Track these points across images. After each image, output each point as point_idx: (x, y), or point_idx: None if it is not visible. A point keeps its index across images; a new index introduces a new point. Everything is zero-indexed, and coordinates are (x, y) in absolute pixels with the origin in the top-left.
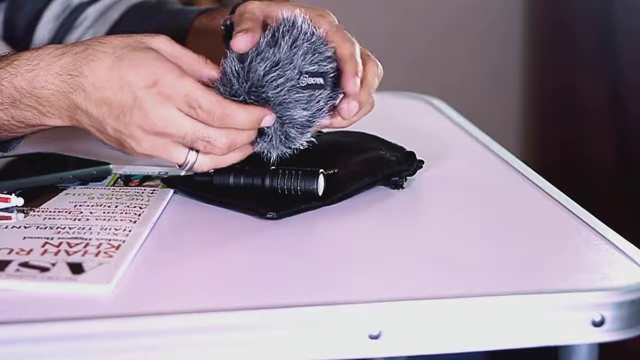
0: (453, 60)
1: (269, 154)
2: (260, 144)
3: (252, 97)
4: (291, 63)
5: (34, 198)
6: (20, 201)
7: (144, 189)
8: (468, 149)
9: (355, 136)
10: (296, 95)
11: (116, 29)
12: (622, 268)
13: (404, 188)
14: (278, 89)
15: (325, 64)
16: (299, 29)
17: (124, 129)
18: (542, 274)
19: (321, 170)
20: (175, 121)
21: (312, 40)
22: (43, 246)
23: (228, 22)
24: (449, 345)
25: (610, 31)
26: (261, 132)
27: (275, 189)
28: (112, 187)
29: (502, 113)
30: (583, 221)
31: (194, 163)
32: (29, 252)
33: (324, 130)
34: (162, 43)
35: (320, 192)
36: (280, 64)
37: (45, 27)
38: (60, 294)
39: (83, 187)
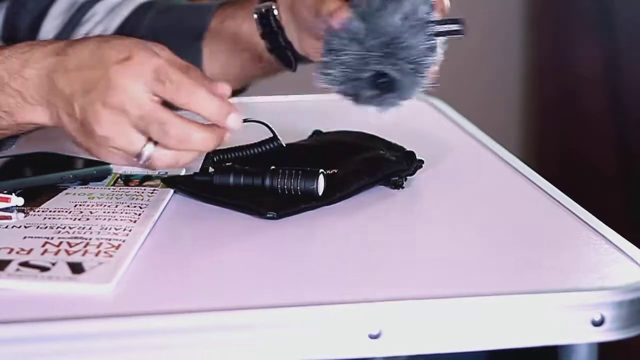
0: (453, 60)
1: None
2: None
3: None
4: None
5: (34, 198)
6: (20, 201)
7: (144, 189)
8: (468, 149)
9: (355, 136)
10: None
11: (128, 24)
12: (622, 268)
13: (403, 188)
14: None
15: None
16: None
17: (89, 106)
18: (541, 274)
19: (321, 170)
20: (135, 96)
21: None
22: (43, 246)
23: None
24: (449, 344)
25: (611, 32)
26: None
27: (276, 189)
28: (112, 187)
29: (502, 113)
30: (583, 221)
31: (151, 154)
32: (29, 252)
33: (324, 130)
34: (157, 46)
35: (320, 192)
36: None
37: (51, 24)
38: (60, 293)
39: (83, 186)
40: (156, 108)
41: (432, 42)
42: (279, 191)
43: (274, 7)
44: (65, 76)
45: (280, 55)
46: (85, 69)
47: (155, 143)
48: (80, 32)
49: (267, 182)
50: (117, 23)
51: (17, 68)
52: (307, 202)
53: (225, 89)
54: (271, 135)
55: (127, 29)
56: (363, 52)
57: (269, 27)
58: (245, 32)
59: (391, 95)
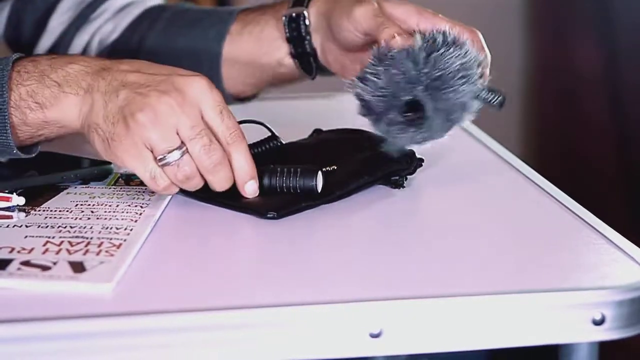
0: None
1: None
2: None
3: (431, 88)
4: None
5: (35, 197)
6: (21, 200)
7: (145, 188)
8: (468, 149)
9: (354, 134)
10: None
11: (140, 24)
12: (622, 267)
13: (404, 187)
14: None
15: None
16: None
17: (138, 96)
18: (542, 273)
19: (320, 171)
20: (194, 105)
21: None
22: (44, 245)
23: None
24: (449, 343)
25: (611, 31)
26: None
27: (275, 187)
28: (113, 187)
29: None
30: (583, 220)
31: (177, 160)
32: (30, 251)
33: (324, 129)
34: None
35: (320, 189)
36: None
37: (59, 19)
38: (61, 292)
39: (84, 186)
40: (206, 127)
41: (472, 100)
42: (278, 190)
43: (305, 12)
44: (118, 73)
45: (303, 62)
46: (145, 71)
47: (182, 155)
48: (90, 28)
49: (266, 180)
50: (127, 21)
51: (62, 63)
52: (306, 200)
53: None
54: (269, 134)
55: (138, 29)
56: (415, 73)
57: (298, 32)
58: (267, 37)
59: (413, 130)
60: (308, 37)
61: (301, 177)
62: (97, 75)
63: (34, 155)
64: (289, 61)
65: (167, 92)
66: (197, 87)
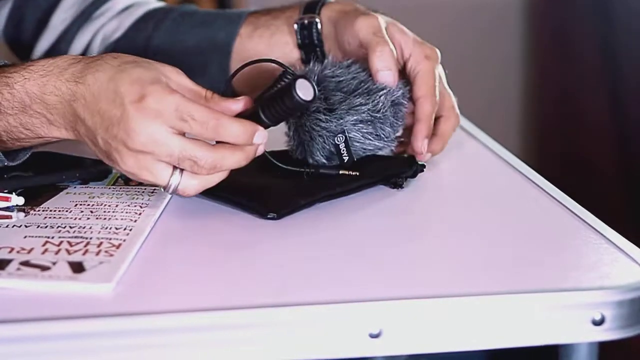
0: (453, 61)
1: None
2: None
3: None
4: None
5: (35, 197)
6: (20, 200)
7: (145, 188)
8: (468, 149)
9: None
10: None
11: (145, 23)
12: (622, 267)
13: (403, 187)
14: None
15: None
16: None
17: (111, 141)
18: (542, 273)
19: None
20: (161, 139)
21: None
22: (44, 245)
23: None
24: (449, 344)
25: (611, 32)
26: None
27: (273, 118)
28: (113, 187)
29: (502, 113)
30: (583, 220)
31: (178, 184)
32: (29, 251)
33: None
34: (171, 71)
35: (308, 98)
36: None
37: (61, 16)
38: (60, 292)
39: (83, 186)
40: (184, 145)
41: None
42: (277, 118)
43: (317, 19)
44: (85, 108)
45: None
46: (101, 100)
47: (181, 171)
48: (92, 26)
49: (263, 116)
50: (130, 21)
51: (38, 93)
52: (306, 198)
53: (242, 102)
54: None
55: (143, 29)
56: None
57: (310, 39)
58: (278, 41)
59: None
60: (320, 44)
61: (283, 95)
62: (72, 109)
63: (19, 162)
64: (299, 67)
65: (131, 137)
66: (152, 115)
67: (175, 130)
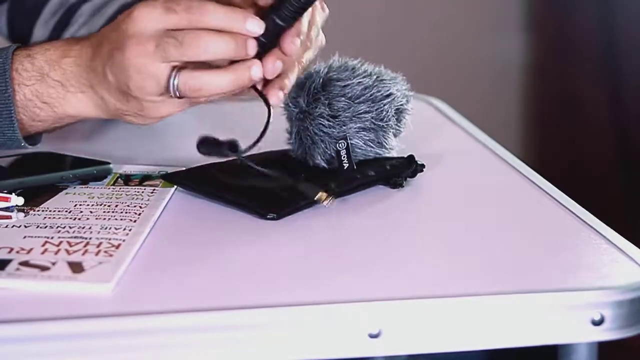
0: (453, 61)
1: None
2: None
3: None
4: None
5: (34, 197)
6: (20, 200)
7: (144, 189)
8: (468, 149)
9: None
10: None
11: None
12: (622, 267)
13: (403, 187)
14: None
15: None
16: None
17: (114, 66)
18: (541, 273)
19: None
20: (144, 30)
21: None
22: (43, 245)
23: None
24: (448, 344)
25: (611, 32)
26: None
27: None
28: (112, 187)
29: (502, 113)
30: (583, 221)
31: (179, 81)
32: (29, 251)
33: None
34: None
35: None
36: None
37: (42, 25)
38: (60, 292)
39: (83, 186)
40: (165, 31)
41: None
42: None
43: None
44: (97, 57)
45: None
46: (104, 39)
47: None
48: (68, 33)
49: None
50: (100, 23)
51: (56, 58)
52: (306, 199)
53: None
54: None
55: None
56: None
57: None
58: None
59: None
60: None
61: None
62: (88, 68)
63: (38, 144)
64: None
65: (126, 45)
66: (140, 18)
67: (166, 26)
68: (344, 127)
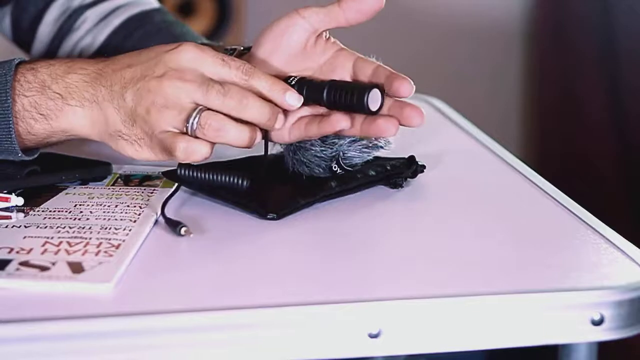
0: (453, 60)
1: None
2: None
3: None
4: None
5: (34, 197)
6: (20, 201)
7: (144, 189)
8: (468, 149)
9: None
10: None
11: (116, 36)
12: (622, 267)
13: (402, 187)
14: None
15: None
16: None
17: (142, 89)
18: (541, 273)
19: (376, 84)
20: (192, 67)
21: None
22: (43, 245)
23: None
24: (448, 344)
25: (610, 32)
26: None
27: (332, 102)
28: (112, 187)
29: (502, 113)
30: (582, 220)
31: (198, 120)
32: (29, 252)
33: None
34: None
35: (374, 109)
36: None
37: (45, 30)
38: (60, 293)
39: (83, 186)
40: (212, 80)
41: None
42: (333, 104)
43: (242, 47)
44: (114, 75)
45: None
46: (136, 63)
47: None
48: (72, 39)
49: (325, 95)
50: (105, 34)
51: (61, 73)
52: (305, 198)
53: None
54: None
55: (112, 43)
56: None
57: None
58: None
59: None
60: None
61: (356, 94)
62: (96, 83)
63: (35, 156)
64: None
65: (165, 75)
66: (189, 55)
67: (212, 74)
68: (335, 147)
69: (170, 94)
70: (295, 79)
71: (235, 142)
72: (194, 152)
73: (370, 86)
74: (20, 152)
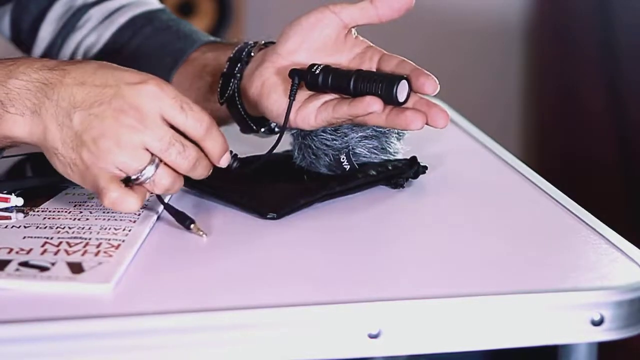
0: (453, 60)
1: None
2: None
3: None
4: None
5: (34, 198)
6: (19, 201)
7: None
8: (468, 150)
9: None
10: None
11: (122, 34)
12: (622, 267)
13: (403, 187)
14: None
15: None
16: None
17: (94, 119)
18: (541, 273)
19: (404, 76)
20: (154, 118)
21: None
22: (43, 246)
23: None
24: (448, 344)
25: (610, 31)
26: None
27: (358, 91)
28: None
29: (502, 113)
30: (582, 221)
31: (153, 175)
32: (28, 252)
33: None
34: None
35: (401, 99)
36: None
37: (47, 28)
38: (59, 293)
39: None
40: (176, 134)
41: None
42: (361, 94)
43: (264, 42)
44: (63, 89)
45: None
46: (90, 84)
47: (157, 166)
48: (75, 37)
49: (352, 85)
50: (110, 32)
51: (2, 77)
52: (306, 197)
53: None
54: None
55: (118, 41)
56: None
57: (239, 54)
58: (212, 61)
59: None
60: (245, 64)
61: (384, 84)
62: (41, 93)
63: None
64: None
65: (123, 111)
66: (150, 95)
67: (169, 118)
68: (346, 138)
69: (125, 134)
70: (320, 67)
71: (169, 192)
72: (122, 204)
73: (399, 77)
74: None
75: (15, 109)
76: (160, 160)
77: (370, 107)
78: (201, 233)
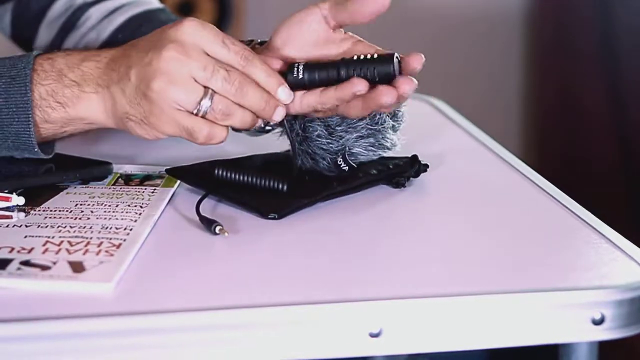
0: (453, 60)
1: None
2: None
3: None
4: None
5: (35, 197)
6: (21, 200)
7: (145, 188)
8: (468, 149)
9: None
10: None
11: (122, 32)
12: (622, 266)
13: (404, 187)
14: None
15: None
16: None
17: (145, 67)
18: (542, 273)
19: (396, 54)
20: (197, 46)
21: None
22: (44, 245)
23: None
24: (449, 343)
25: (610, 31)
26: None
27: (351, 77)
28: (113, 187)
29: (502, 113)
30: (583, 220)
31: (210, 106)
32: (30, 251)
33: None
34: None
35: (397, 73)
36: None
37: (47, 27)
38: (61, 292)
39: (84, 186)
40: (216, 61)
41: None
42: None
43: (259, 40)
44: (122, 58)
45: None
46: (142, 42)
47: (211, 97)
48: (74, 36)
49: (343, 72)
50: (109, 31)
51: (77, 61)
52: (307, 197)
53: (277, 62)
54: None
55: (117, 40)
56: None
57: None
58: None
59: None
60: None
61: (377, 64)
62: (108, 68)
63: (51, 156)
64: None
65: (165, 47)
66: (190, 30)
67: (211, 52)
68: (342, 140)
69: (173, 68)
70: (302, 65)
71: (239, 126)
72: (214, 137)
73: (389, 54)
74: (37, 147)
75: (89, 87)
76: (214, 92)
77: (355, 87)
78: (226, 234)
